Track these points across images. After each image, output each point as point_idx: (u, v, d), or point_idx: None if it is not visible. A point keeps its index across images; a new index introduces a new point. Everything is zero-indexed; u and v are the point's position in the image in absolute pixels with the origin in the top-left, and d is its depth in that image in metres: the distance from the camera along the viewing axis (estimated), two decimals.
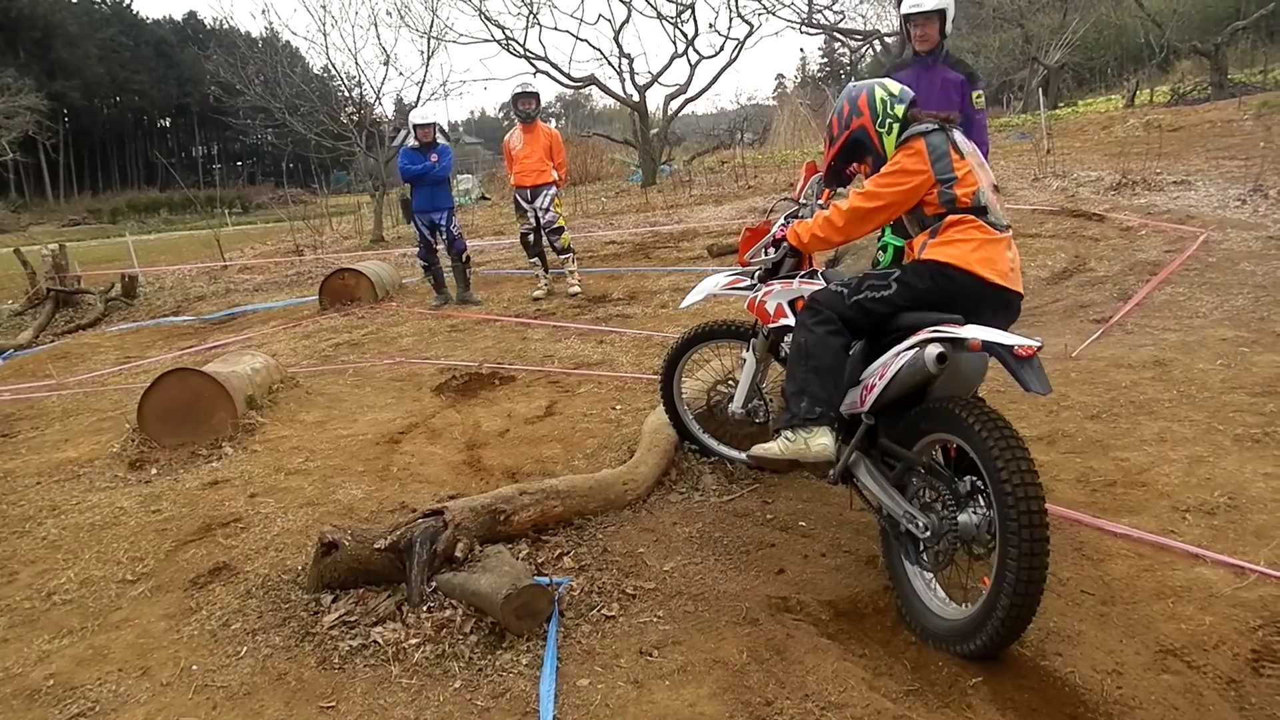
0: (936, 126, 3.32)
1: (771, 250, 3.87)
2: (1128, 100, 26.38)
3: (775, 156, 25.68)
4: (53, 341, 10.81)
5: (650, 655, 2.98)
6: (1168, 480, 3.98)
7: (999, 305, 3.18)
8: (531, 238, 9.67)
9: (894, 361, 3.09)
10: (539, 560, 3.59)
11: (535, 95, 9.73)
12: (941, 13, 5.50)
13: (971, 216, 3.20)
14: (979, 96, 5.55)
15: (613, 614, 3.24)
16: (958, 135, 3.34)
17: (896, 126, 3.40)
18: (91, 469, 5.30)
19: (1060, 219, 9.95)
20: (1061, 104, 29.96)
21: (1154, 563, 3.36)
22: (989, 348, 2.91)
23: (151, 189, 59.76)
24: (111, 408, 6.70)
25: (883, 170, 3.36)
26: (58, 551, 4.17)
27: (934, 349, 2.93)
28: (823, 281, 3.64)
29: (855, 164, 3.63)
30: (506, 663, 2.98)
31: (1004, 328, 3.05)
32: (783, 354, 3.89)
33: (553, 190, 9.46)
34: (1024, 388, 2.81)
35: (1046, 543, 2.68)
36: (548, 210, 9.41)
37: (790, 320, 3.72)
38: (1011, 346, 2.83)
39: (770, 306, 3.82)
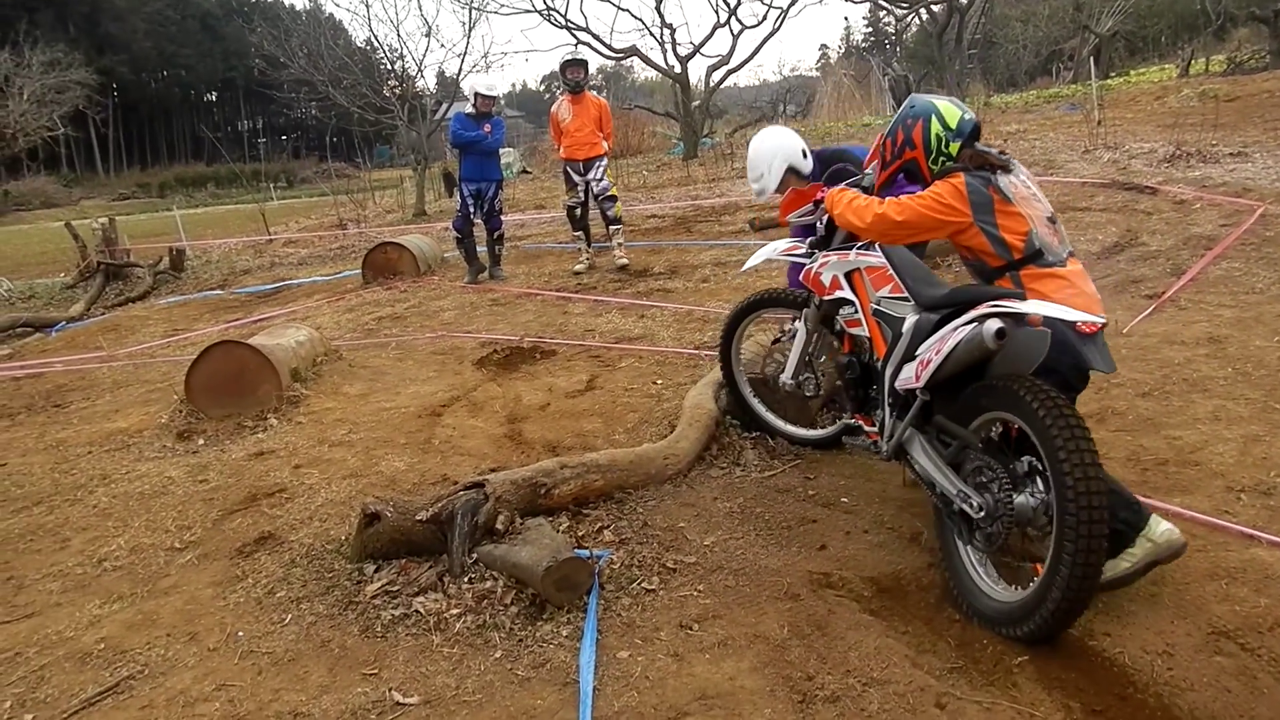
0: (980, 168, 3.23)
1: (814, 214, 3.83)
2: (1182, 70, 25.68)
3: (819, 129, 25.38)
4: (103, 314, 10.99)
5: (690, 629, 2.98)
6: (1222, 459, 3.89)
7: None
8: (579, 212, 9.56)
9: (951, 336, 2.98)
10: (579, 533, 3.60)
11: (584, 63, 9.56)
12: None
13: (1035, 268, 3.13)
14: None
15: (653, 587, 3.24)
16: (1005, 178, 3.20)
17: (949, 165, 3.32)
18: (141, 439, 5.39)
19: (1111, 192, 9.72)
20: (1113, 74, 29.23)
21: (1207, 543, 3.29)
22: (1050, 324, 2.83)
23: (198, 163, 60.51)
24: (160, 379, 6.81)
25: (924, 193, 3.28)
26: (108, 519, 4.26)
27: (993, 324, 2.82)
28: (879, 254, 3.53)
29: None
30: (547, 634, 2.99)
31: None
32: (837, 326, 3.82)
33: (604, 161, 9.36)
34: (1087, 365, 2.74)
35: (1106, 529, 2.60)
36: (601, 180, 9.30)
37: (846, 293, 3.64)
38: (1074, 323, 2.74)
39: (826, 278, 3.75)
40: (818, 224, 3.88)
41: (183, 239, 15.60)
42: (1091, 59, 25.48)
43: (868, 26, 64.03)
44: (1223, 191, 9.05)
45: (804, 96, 37.61)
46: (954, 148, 3.32)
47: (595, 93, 11.52)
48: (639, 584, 3.26)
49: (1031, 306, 2.86)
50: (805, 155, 4.65)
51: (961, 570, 3.05)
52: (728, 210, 12.64)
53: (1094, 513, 2.57)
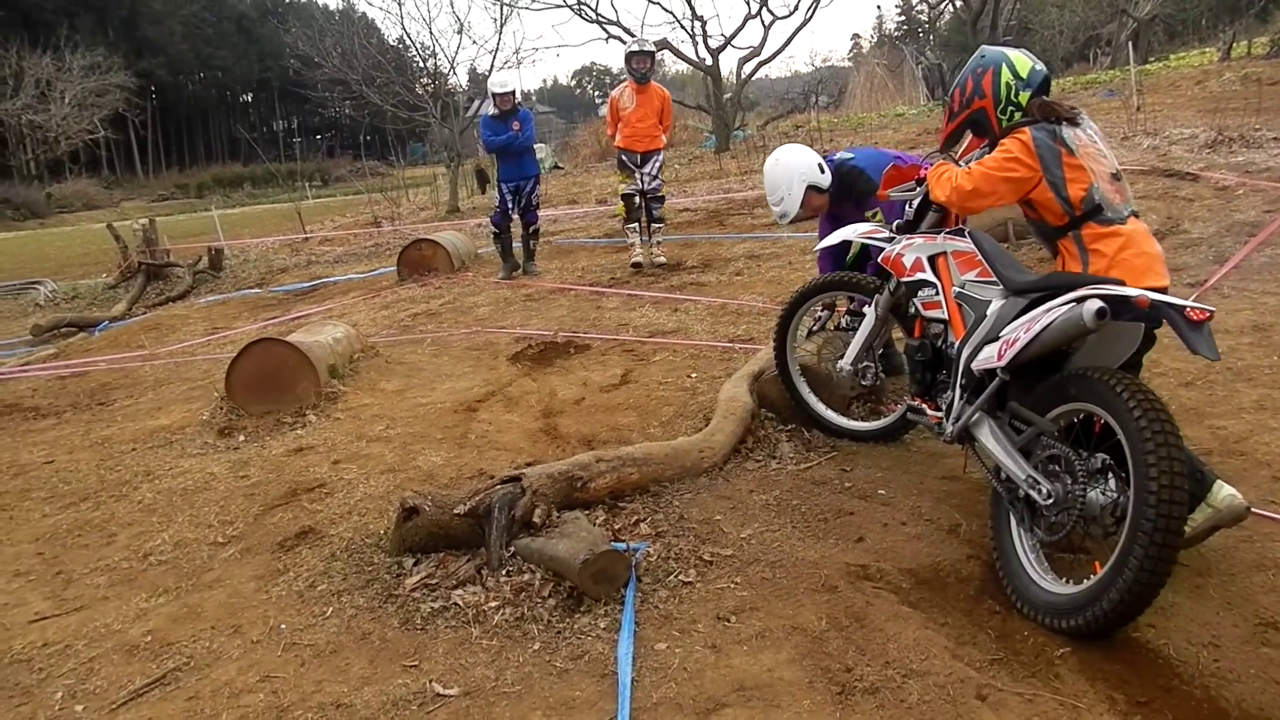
0: (1046, 120, 3.21)
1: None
2: (1223, 53, 25.24)
3: (851, 120, 25.20)
4: (144, 313, 11.18)
5: (728, 621, 2.97)
6: (1268, 449, 3.82)
7: None
8: (637, 200, 9.31)
9: (1044, 316, 2.92)
10: (616, 526, 3.61)
11: (651, 54, 9.40)
12: None
13: (1098, 225, 3.12)
14: None
15: (690, 580, 3.24)
16: (1070, 131, 3.20)
17: (1018, 116, 3.30)
18: (183, 436, 5.48)
19: (1152, 179, 9.58)
20: (1152, 59, 28.77)
21: (1253, 534, 3.24)
22: (1158, 308, 2.75)
23: (235, 163, 61.25)
24: (201, 377, 6.90)
25: (991, 155, 3.27)
26: (153, 515, 4.32)
27: (1094, 304, 2.74)
28: (969, 240, 3.49)
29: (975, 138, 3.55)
30: (585, 626, 3.00)
31: None
32: (910, 311, 3.78)
33: (661, 157, 9.27)
34: (1192, 350, 2.68)
35: (1179, 540, 2.55)
36: (655, 177, 9.22)
37: (928, 275, 3.60)
38: (1183, 308, 2.67)
39: (908, 260, 3.70)
40: (907, 206, 3.84)
41: (221, 239, 15.81)
42: (1130, 44, 25.07)
43: (900, 15, 63.31)
44: (1266, 177, 8.89)
45: (836, 87, 37.38)
46: (1023, 98, 3.29)
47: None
48: (676, 576, 3.26)
49: (1137, 291, 2.78)
50: (822, 170, 4.63)
51: (1012, 555, 3.02)
52: (760, 203, 12.57)
53: (1171, 523, 2.51)
